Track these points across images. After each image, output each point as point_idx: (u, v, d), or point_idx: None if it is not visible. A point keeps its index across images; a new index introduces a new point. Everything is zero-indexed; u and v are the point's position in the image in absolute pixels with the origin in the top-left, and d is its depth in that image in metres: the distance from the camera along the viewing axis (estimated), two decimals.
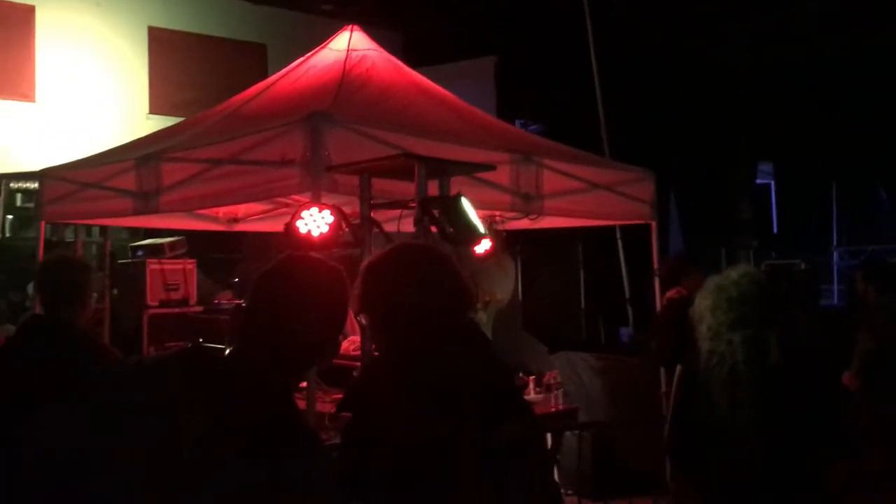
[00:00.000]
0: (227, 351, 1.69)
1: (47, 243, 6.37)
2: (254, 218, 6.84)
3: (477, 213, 3.42)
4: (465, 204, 3.33)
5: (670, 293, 5.62)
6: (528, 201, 4.91)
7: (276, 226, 6.80)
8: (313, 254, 2.13)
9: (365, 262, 2.09)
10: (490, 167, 3.91)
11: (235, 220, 6.85)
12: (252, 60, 13.76)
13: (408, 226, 3.67)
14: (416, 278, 2.01)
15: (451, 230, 3.40)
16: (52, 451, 1.49)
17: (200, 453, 1.50)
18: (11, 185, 10.31)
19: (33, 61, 12.11)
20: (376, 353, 2.25)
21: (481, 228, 3.34)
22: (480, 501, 1.89)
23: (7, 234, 10.24)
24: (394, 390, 1.91)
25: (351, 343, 5.40)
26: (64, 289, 3.34)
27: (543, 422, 4.59)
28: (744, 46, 12.18)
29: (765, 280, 2.91)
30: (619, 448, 6.13)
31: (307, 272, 1.81)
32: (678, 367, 2.96)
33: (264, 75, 13.02)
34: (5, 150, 11.46)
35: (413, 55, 8.96)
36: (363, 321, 2.07)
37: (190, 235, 7.67)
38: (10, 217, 10.29)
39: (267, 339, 1.68)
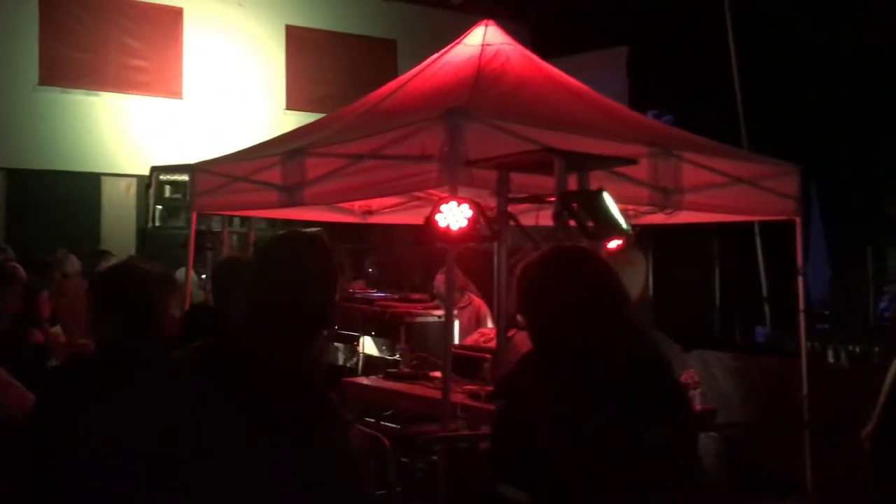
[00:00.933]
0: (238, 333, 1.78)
1: (196, 233, 6.74)
2: (386, 210, 7.00)
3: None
4: (607, 199, 3.30)
5: None
6: (667, 196, 4.80)
7: (407, 218, 6.96)
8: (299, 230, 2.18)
9: (524, 264, 2.13)
10: (632, 161, 3.86)
11: (370, 213, 7.03)
12: (382, 56, 14.07)
13: (546, 220, 3.67)
14: (579, 278, 2.04)
15: (591, 225, 3.38)
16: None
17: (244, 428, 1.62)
18: (161, 177, 10.98)
19: (181, 60, 12.84)
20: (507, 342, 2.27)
21: (624, 224, 3.31)
22: (627, 501, 1.89)
23: (157, 224, 10.93)
24: (548, 385, 1.94)
25: (481, 335, 5.46)
26: (234, 285, 3.55)
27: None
28: (893, 33, 11.43)
29: None
30: (755, 451, 5.92)
31: (297, 248, 1.85)
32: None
33: (394, 70, 13.32)
34: (155, 145, 12.22)
35: (541, 47, 8.91)
36: (521, 319, 2.11)
37: (320, 226, 7.93)
38: (159, 207, 10.97)
39: (279, 316, 1.74)
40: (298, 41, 13.71)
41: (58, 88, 11.99)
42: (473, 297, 6.33)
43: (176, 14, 12.81)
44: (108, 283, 2.47)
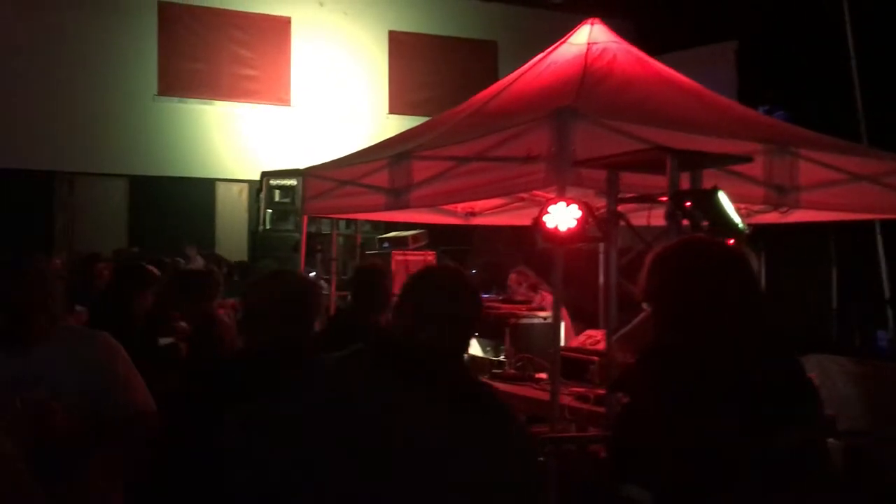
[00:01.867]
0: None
1: (307, 236, 6.95)
2: (489, 212, 7.02)
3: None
4: (723, 197, 3.21)
5: None
6: (782, 194, 4.63)
7: (510, 219, 6.96)
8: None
9: (659, 250, 2.08)
10: (747, 159, 3.75)
11: (473, 214, 7.07)
12: (483, 57, 14.12)
13: (657, 219, 3.60)
14: (716, 270, 1.98)
15: (706, 224, 3.30)
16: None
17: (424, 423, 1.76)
18: (271, 182, 11.36)
19: (289, 68, 13.26)
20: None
21: (740, 223, 3.21)
22: None
23: (268, 226, 11.31)
24: (674, 381, 1.88)
25: (588, 337, 5.40)
26: (373, 292, 3.70)
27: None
28: None
29: None
30: (881, 460, 5.63)
31: (456, 272, 2.12)
32: None
33: (495, 71, 13.36)
34: (265, 151, 12.67)
35: (647, 43, 8.74)
36: (646, 307, 2.07)
37: (423, 227, 8.03)
38: (269, 211, 11.35)
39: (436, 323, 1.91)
40: (400, 46, 13.93)
41: (175, 98, 12.58)
42: (546, 295, 6.30)
43: (284, 24, 13.24)
44: (262, 289, 2.62)
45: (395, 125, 12.04)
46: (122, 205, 12.42)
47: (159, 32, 12.50)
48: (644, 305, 2.09)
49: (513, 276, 6.33)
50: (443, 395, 1.81)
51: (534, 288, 6.21)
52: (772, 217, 5.49)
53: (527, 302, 6.00)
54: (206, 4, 12.77)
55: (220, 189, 12.86)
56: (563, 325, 5.96)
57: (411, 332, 1.90)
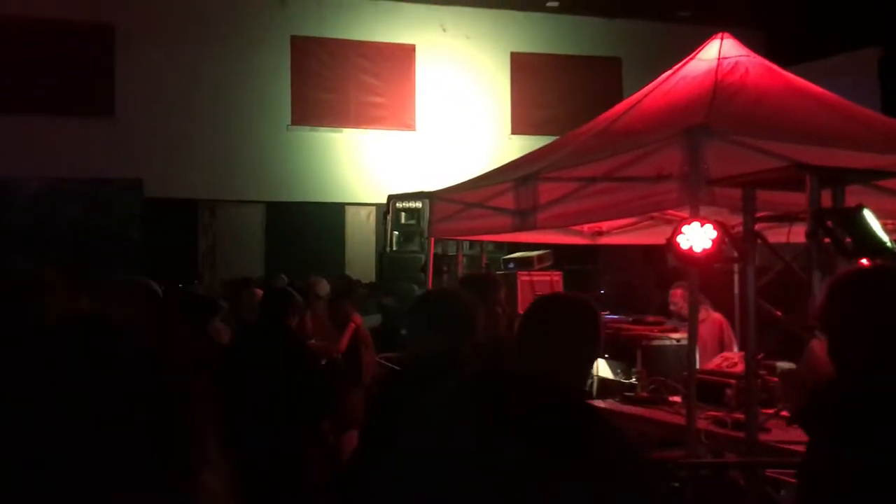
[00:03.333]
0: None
1: (434, 257, 7.09)
2: (616, 231, 6.94)
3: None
4: (868, 215, 3.07)
5: None
6: None
7: (638, 239, 6.84)
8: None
9: (843, 275, 1.95)
10: (895, 174, 3.56)
11: (600, 234, 7.01)
12: (607, 75, 14.00)
13: (797, 236, 3.48)
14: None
15: (850, 242, 3.17)
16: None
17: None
18: (397, 205, 11.64)
19: (414, 94, 13.59)
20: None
21: (888, 241, 3.06)
22: None
23: (394, 248, 11.58)
24: (856, 426, 1.75)
25: (724, 360, 5.24)
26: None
27: None
28: None
29: None
30: None
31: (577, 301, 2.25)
32: None
33: (619, 89, 13.22)
34: (391, 175, 13.00)
35: (779, 54, 8.45)
36: (819, 335, 1.96)
37: (549, 248, 8.00)
38: (395, 233, 11.63)
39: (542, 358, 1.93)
40: (522, 67, 14.01)
41: (307, 127, 13.14)
42: (711, 311, 6.09)
43: (409, 51, 13.59)
44: (435, 303, 2.87)
45: (518, 146, 12.11)
46: (259, 229, 13.04)
47: (292, 64, 13.10)
48: (818, 334, 1.97)
49: (678, 292, 6.01)
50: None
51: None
52: None
53: (658, 323, 5.88)
54: (335, 36, 13.30)
55: (350, 213, 13.30)
56: (734, 344, 5.78)
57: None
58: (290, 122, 13.07)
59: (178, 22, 12.52)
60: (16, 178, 11.41)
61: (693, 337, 4.12)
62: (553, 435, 1.52)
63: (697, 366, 4.44)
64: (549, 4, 13.73)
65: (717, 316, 6.08)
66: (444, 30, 13.66)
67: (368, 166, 13.26)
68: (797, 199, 3.50)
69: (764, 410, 4.00)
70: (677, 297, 6.03)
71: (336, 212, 13.17)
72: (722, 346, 5.71)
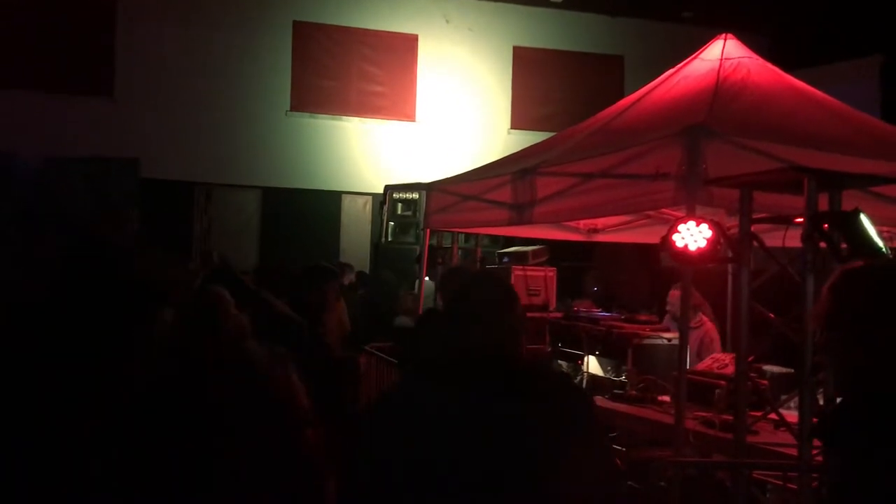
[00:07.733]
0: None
1: (429, 249, 7.07)
2: (612, 229, 6.94)
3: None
4: (865, 220, 3.07)
5: None
6: None
7: (633, 237, 6.85)
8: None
9: (847, 271, 1.80)
10: (893, 179, 3.56)
11: (595, 231, 7.01)
12: (608, 73, 13.98)
13: (793, 240, 3.47)
14: None
15: (845, 247, 3.17)
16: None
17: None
18: (394, 195, 11.59)
19: (415, 84, 13.55)
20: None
21: (883, 247, 3.06)
22: None
23: (390, 239, 11.54)
24: (882, 443, 1.64)
25: (714, 361, 5.25)
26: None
27: None
28: None
29: None
30: None
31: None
32: None
33: (620, 87, 13.19)
34: (389, 165, 12.97)
35: (782, 59, 8.43)
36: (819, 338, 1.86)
37: (544, 243, 7.98)
38: (391, 223, 11.59)
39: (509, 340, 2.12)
40: (525, 62, 13.97)
41: (307, 114, 13.09)
42: (705, 318, 6.08)
43: (412, 41, 13.54)
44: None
45: (517, 140, 12.09)
46: (254, 214, 13.01)
47: (293, 50, 13.04)
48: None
49: (674, 293, 5.86)
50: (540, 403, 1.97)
51: (695, 308, 5.83)
52: None
53: (651, 322, 5.87)
54: (337, 23, 13.24)
55: (346, 201, 13.26)
56: (716, 348, 5.75)
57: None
58: (289, 108, 13.02)
59: (181, 1, 12.46)
60: (11, 154, 11.35)
61: (684, 336, 4.13)
62: (518, 388, 1.97)
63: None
64: (553, 0, 13.70)
65: (710, 324, 6.06)
66: (447, 21, 13.61)
67: (367, 155, 13.22)
68: (794, 203, 3.50)
69: (752, 413, 4.00)
70: (674, 297, 5.99)
71: (332, 200, 13.13)
72: (699, 356, 5.65)
